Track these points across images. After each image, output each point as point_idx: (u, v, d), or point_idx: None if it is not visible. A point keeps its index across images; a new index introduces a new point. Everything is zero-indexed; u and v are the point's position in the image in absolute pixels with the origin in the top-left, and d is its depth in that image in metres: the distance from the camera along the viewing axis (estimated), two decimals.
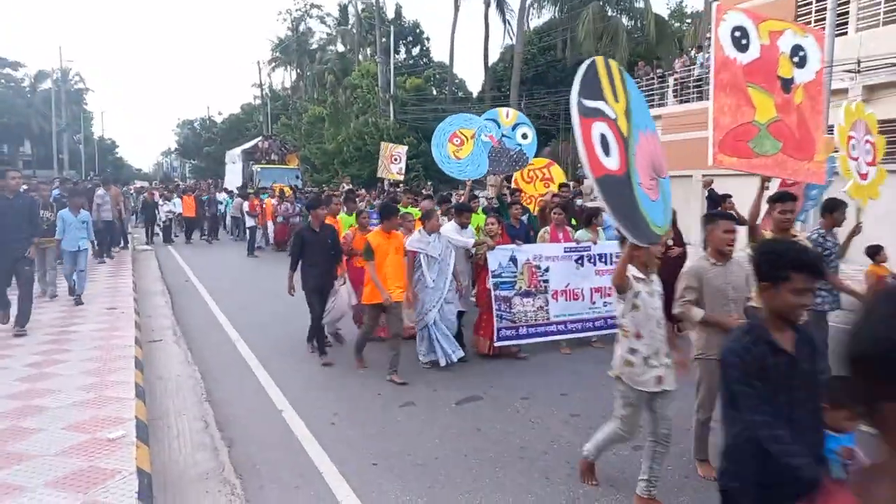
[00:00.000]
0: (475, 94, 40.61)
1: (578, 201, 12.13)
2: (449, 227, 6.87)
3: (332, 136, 35.52)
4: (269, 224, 17.63)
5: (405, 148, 19.68)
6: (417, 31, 44.19)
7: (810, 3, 16.28)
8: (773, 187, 5.37)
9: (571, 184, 12.58)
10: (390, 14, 41.21)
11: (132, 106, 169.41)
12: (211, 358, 6.97)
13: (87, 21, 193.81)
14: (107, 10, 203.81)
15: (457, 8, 35.18)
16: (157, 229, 19.92)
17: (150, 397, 5.48)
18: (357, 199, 7.73)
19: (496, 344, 6.74)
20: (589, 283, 7.26)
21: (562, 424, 5.05)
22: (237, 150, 29.87)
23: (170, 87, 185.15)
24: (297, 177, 26.99)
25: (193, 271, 13.50)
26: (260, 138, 30.28)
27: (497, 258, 6.82)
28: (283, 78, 58.83)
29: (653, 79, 21.96)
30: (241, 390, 5.92)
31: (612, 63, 3.64)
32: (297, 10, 51.08)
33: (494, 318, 6.73)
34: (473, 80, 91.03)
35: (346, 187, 17.60)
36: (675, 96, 20.92)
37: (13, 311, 7.32)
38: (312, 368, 6.57)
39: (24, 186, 9.74)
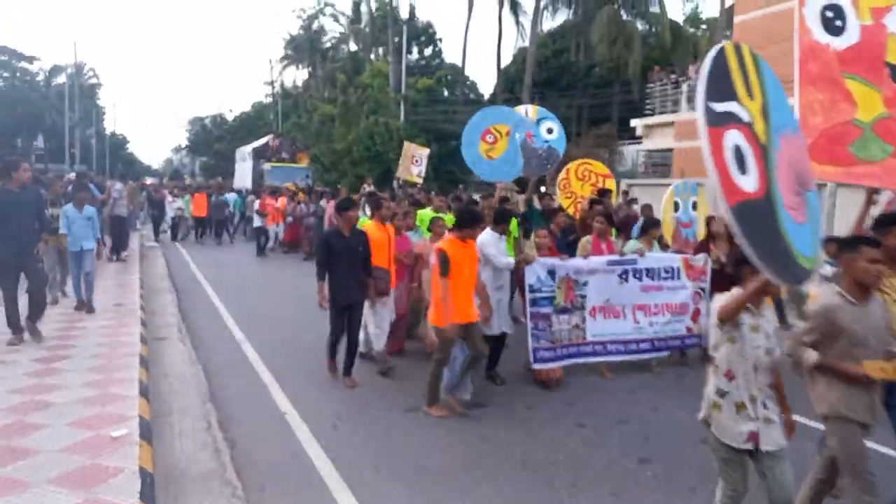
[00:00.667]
0: (487, 96, 40.61)
1: (635, 207, 11.78)
2: (487, 239, 5.91)
3: (342, 136, 35.57)
4: (280, 224, 17.21)
5: (427, 150, 19.14)
6: (430, 31, 44.21)
7: None
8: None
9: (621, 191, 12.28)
10: (404, 14, 41.28)
11: (143, 102, 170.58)
12: (215, 357, 6.97)
13: (101, 16, 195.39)
14: (121, 6, 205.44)
15: (470, 9, 35.19)
16: (164, 227, 19.71)
17: (154, 395, 5.48)
18: (382, 203, 6.99)
19: (534, 367, 6.08)
20: (633, 300, 6.47)
21: (566, 435, 5.00)
22: (247, 148, 29.92)
23: (181, 83, 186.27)
24: (308, 176, 27.01)
25: (200, 270, 13.54)
26: (270, 136, 30.34)
27: (535, 272, 6.11)
28: (295, 76, 59.06)
29: (666, 84, 21.87)
30: (245, 391, 5.91)
31: (744, 48, 2.84)
32: (310, 8, 51.26)
33: (530, 338, 6.06)
34: (485, 81, 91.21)
35: (369, 189, 17.09)
36: (689, 102, 20.82)
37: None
38: (316, 371, 6.54)
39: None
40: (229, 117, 63.72)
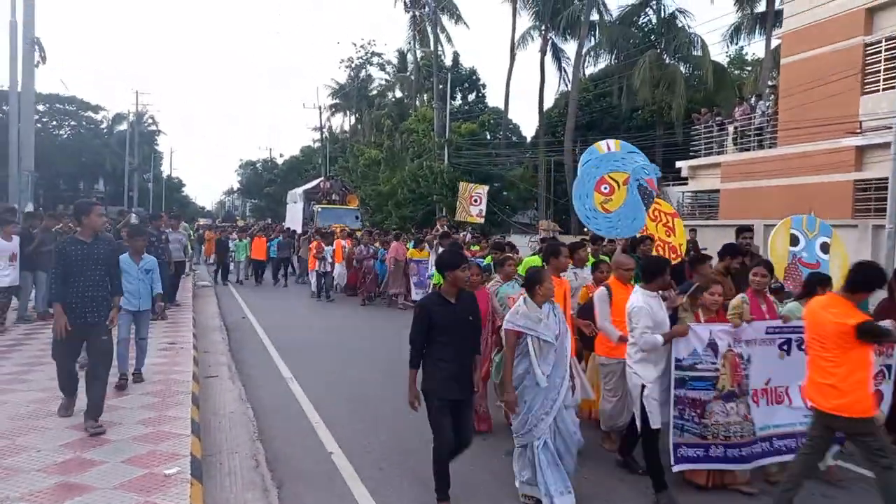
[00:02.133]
0: (529, 139, 40.96)
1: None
2: (640, 304, 4.65)
3: (387, 179, 36.29)
4: (337, 266, 16.20)
5: (486, 188, 18.79)
6: (473, 77, 45.17)
7: (880, 51, 15.88)
8: None
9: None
10: (448, 61, 42.33)
11: (199, 147, 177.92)
12: (265, 396, 7.08)
13: (163, 68, 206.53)
14: (177, 55, 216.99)
15: (513, 57, 35.88)
16: (229, 270, 19.35)
17: (204, 433, 5.59)
18: (560, 249, 5.79)
19: (674, 468, 4.68)
20: (797, 378, 4.70)
21: (618, 481, 4.87)
22: (299, 190, 30.34)
23: (234, 129, 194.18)
24: (357, 217, 26.99)
25: (251, 310, 13.85)
26: (321, 179, 30.56)
27: (690, 343, 4.70)
28: (343, 122, 60.86)
29: (711, 127, 21.69)
30: (293, 430, 5.97)
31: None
32: (358, 59, 53.05)
33: (671, 430, 4.69)
34: (527, 125, 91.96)
35: (443, 230, 16.58)
36: (734, 144, 20.57)
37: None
38: (363, 411, 6.58)
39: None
40: (279, 161, 65.92)
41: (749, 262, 6.49)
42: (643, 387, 4.58)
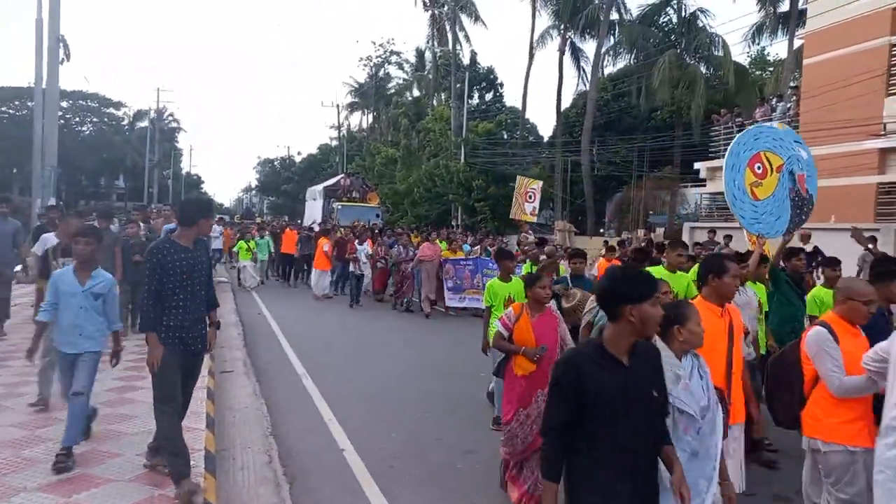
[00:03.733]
0: (546, 139, 40.83)
1: (807, 248, 10.27)
2: (822, 341, 3.49)
3: (403, 178, 36.41)
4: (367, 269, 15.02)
5: (540, 183, 17.61)
6: (491, 76, 45.11)
7: None
8: None
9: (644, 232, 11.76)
10: (466, 60, 42.33)
11: (217, 143, 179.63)
12: (278, 392, 7.13)
13: (181, 61, 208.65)
14: (199, 52, 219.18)
15: (531, 56, 35.73)
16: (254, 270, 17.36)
17: (218, 428, 5.64)
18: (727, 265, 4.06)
19: None
20: None
21: None
22: (318, 187, 29.65)
23: (253, 127, 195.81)
24: (378, 215, 26.27)
25: (266, 306, 13.96)
26: (342, 175, 29.85)
27: None
28: (360, 120, 61.13)
29: (731, 127, 21.46)
30: (306, 426, 6.01)
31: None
32: (377, 57, 53.22)
33: None
34: (545, 124, 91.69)
35: (531, 237, 14.55)
36: None
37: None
38: (375, 409, 6.61)
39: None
40: (297, 159, 66.36)
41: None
42: None
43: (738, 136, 6.35)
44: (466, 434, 5.83)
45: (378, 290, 15.07)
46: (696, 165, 22.69)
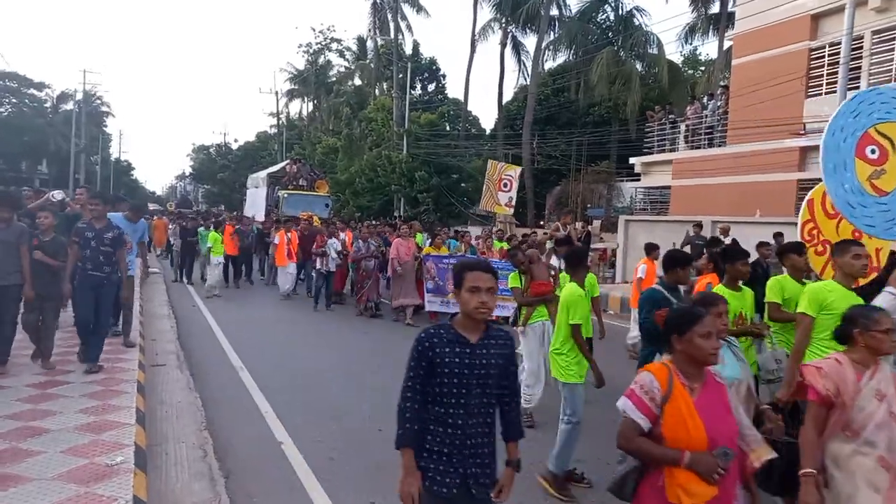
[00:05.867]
0: (488, 132, 41.16)
1: (726, 240, 10.08)
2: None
3: (344, 168, 35.98)
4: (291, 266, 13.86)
5: (518, 169, 15.74)
6: (434, 67, 45.09)
7: (823, 57, 16.50)
8: None
9: (578, 225, 11.10)
10: (408, 50, 42.12)
11: (148, 128, 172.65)
12: (213, 385, 6.95)
13: (113, 45, 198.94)
14: (130, 34, 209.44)
15: (473, 48, 35.93)
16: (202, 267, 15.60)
17: (150, 423, 5.46)
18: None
19: None
20: None
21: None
22: (262, 174, 27.43)
23: (187, 112, 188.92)
24: (328, 205, 24.42)
25: (201, 298, 13.56)
26: (288, 161, 27.22)
27: None
28: (300, 108, 59.90)
29: (664, 124, 22.18)
30: (242, 420, 5.89)
31: None
32: (317, 44, 52.24)
33: None
34: (487, 117, 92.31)
35: (571, 227, 12.41)
36: (686, 142, 21.10)
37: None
38: (314, 401, 6.53)
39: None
40: (234, 147, 64.48)
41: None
42: None
43: (828, 124, 4.81)
44: None
45: (337, 292, 13.44)
46: (632, 160, 23.38)
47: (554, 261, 8.07)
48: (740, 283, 4.74)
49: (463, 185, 32.38)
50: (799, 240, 5.69)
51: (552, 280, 6.70)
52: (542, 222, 30.85)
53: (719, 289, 4.69)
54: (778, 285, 4.89)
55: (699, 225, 13.48)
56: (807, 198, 6.04)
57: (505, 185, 14.41)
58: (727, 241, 11.36)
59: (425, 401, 2.56)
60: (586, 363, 4.83)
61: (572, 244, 8.15)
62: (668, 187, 21.29)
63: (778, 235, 10.91)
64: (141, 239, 8.57)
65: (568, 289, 4.92)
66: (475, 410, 2.54)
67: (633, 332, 8.82)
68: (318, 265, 12.61)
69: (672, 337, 2.55)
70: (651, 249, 8.89)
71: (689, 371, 2.51)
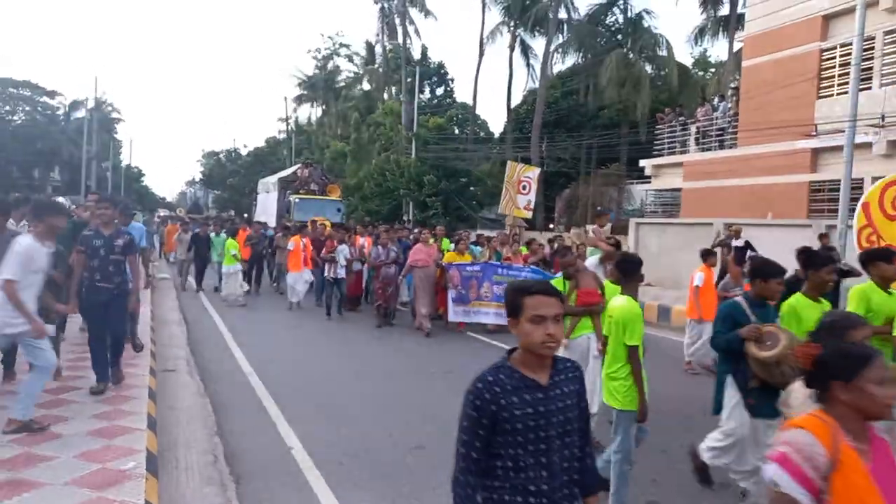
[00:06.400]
0: (496, 135, 41.15)
1: (738, 243, 10.34)
2: None
3: (353, 172, 36.10)
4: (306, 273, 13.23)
5: (537, 171, 15.59)
6: (442, 71, 45.19)
7: (834, 58, 16.38)
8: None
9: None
10: (416, 55, 42.23)
11: (160, 135, 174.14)
12: (223, 390, 6.97)
13: (124, 53, 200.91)
14: (140, 42, 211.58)
15: (481, 52, 35.97)
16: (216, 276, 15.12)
17: (160, 428, 5.48)
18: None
19: None
20: None
21: None
22: (273, 179, 27.07)
23: (197, 118, 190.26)
24: (339, 210, 23.92)
25: (212, 303, 13.62)
26: (299, 165, 26.84)
27: None
28: (309, 114, 60.18)
29: (675, 126, 22.09)
30: (252, 425, 5.90)
31: None
32: (326, 49, 52.49)
33: None
34: (495, 120, 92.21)
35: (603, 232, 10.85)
36: (696, 144, 21.00)
37: None
38: (324, 406, 6.54)
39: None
40: (243, 152, 64.88)
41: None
42: None
43: None
44: (416, 430, 5.83)
45: (353, 297, 12.93)
46: (642, 163, 23.29)
47: (590, 266, 6.98)
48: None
49: (472, 188, 32.37)
50: (879, 246, 5.09)
51: (600, 290, 5.86)
52: (551, 226, 30.79)
53: (797, 298, 4.15)
54: (863, 295, 4.26)
55: (730, 226, 12.82)
56: (861, 201, 5.73)
57: (524, 188, 14.09)
58: (739, 243, 11.30)
59: (490, 468, 2.04)
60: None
61: (620, 248, 7.25)
62: (679, 190, 21.19)
63: (823, 237, 10.20)
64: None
65: (623, 303, 4.21)
66: (558, 468, 2.03)
67: (695, 344, 8.21)
68: (326, 272, 12.20)
69: (834, 383, 1.95)
70: (707, 256, 8.49)
71: (853, 428, 1.92)
